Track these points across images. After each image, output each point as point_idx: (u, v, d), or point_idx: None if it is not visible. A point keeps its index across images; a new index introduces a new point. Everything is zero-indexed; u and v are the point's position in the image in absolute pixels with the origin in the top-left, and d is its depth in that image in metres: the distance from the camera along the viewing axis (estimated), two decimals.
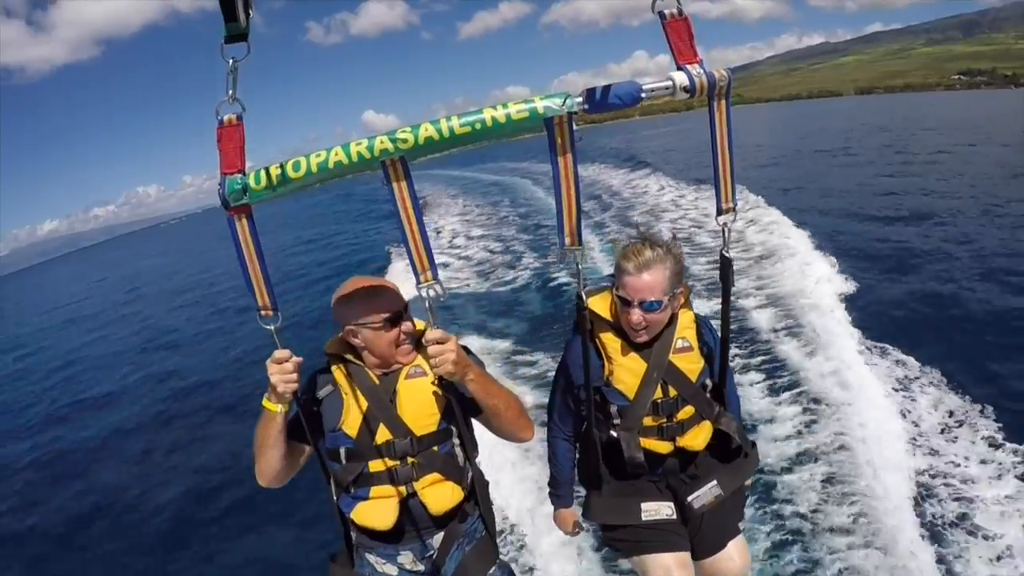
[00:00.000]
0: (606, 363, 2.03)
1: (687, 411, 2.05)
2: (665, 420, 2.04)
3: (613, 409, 2.03)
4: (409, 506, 1.89)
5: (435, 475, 1.88)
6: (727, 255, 1.79)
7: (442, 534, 1.95)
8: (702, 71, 1.42)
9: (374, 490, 1.87)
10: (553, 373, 2.27)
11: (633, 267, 1.90)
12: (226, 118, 1.53)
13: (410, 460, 1.86)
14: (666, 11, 1.43)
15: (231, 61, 1.48)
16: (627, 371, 2.01)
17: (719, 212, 1.67)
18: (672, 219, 13.86)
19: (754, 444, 2.23)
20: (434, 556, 1.95)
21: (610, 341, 2.03)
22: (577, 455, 2.24)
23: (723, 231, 1.71)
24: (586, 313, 1.85)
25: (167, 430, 8.55)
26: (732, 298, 1.91)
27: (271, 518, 5.40)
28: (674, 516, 2.12)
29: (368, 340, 1.85)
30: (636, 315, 1.92)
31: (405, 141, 1.46)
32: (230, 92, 1.50)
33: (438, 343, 1.63)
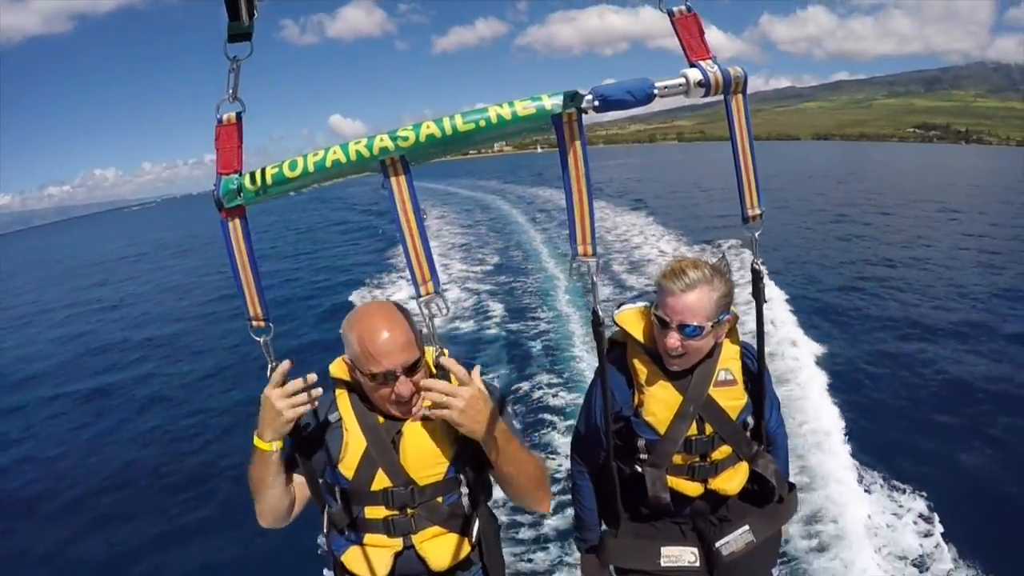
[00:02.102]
0: (637, 392, 1.83)
1: (723, 451, 1.86)
2: (697, 459, 1.85)
3: (640, 443, 1.84)
4: (405, 559, 1.71)
5: (437, 528, 1.71)
6: (757, 267, 1.65)
7: None
8: (716, 67, 1.38)
9: (368, 537, 1.71)
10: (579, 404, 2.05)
11: (675, 286, 1.71)
12: (225, 117, 1.49)
13: (410, 511, 1.68)
14: (675, 8, 1.40)
15: (233, 60, 1.44)
16: (659, 402, 1.81)
17: (745, 220, 1.55)
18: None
19: (792, 487, 2.03)
20: None
21: (642, 367, 1.83)
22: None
23: (752, 241, 1.59)
24: (602, 330, 1.66)
25: (141, 442, 7.96)
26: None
27: (256, 548, 5.08)
28: (698, 563, 1.91)
29: (364, 385, 1.65)
30: (673, 339, 1.73)
31: (406, 139, 1.40)
32: (230, 91, 1.46)
33: (440, 391, 1.46)
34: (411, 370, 1.58)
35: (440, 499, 1.70)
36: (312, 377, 1.56)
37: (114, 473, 6.95)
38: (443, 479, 1.68)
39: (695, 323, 1.72)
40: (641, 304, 1.92)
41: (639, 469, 1.86)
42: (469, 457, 1.66)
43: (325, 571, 1.88)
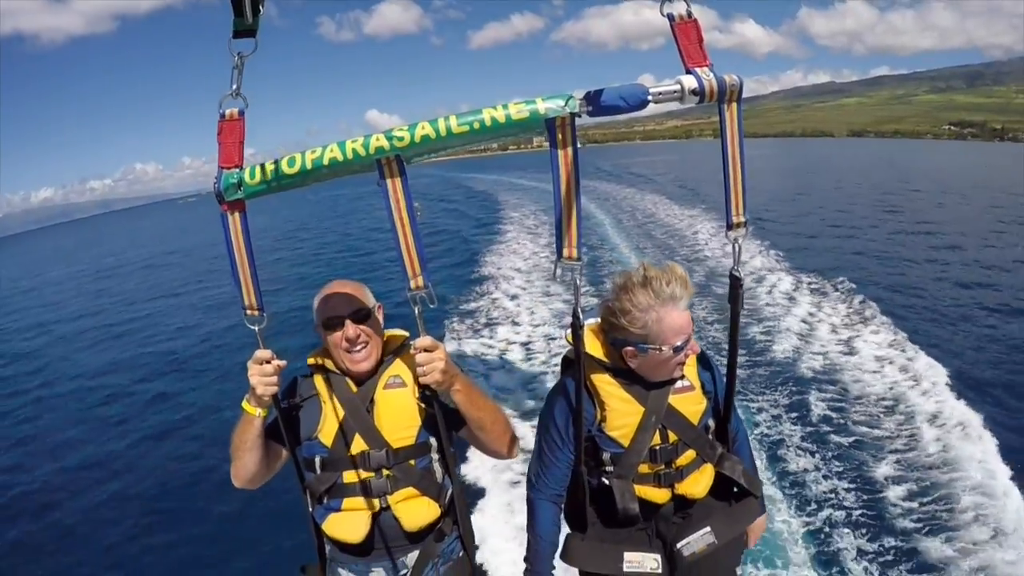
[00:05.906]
0: (598, 409, 1.82)
1: (688, 456, 1.87)
2: (663, 467, 1.86)
3: (606, 456, 1.84)
4: (382, 520, 1.82)
5: (410, 490, 1.82)
6: (737, 274, 1.63)
7: (416, 552, 1.87)
8: (712, 74, 1.37)
9: (347, 502, 1.81)
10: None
11: (679, 302, 1.68)
12: (228, 112, 1.53)
13: (385, 473, 1.80)
14: (675, 13, 1.39)
15: (237, 56, 1.47)
16: (621, 416, 1.80)
17: (729, 227, 1.56)
18: None
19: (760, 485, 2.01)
20: (407, 575, 1.87)
21: (603, 383, 1.81)
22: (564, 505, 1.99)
23: (734, 247, 1.59)
24: (581, 333, 1.66)
25: (138, 425, 8.42)
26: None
27: (246, 524, 5.33)
28: (659, 569, 1.90)
29: (324, 341, 1.83)
30: (696, 348, 1.76)
31: (401, 139, 1.43)
32: (234, 87, 1.50)
33: (426, 351, 1.59)
34: (357, 317, 1.79)
35: (412, 462, 1.82)
36: (282, 363, 1.68)
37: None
38: (414, 443, 1.82)
39: (691, 328, 1.73)
40: (591, 321, 1.86)
41: (606, 481, 1.86)
42: (440, 423, 1.75)
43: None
